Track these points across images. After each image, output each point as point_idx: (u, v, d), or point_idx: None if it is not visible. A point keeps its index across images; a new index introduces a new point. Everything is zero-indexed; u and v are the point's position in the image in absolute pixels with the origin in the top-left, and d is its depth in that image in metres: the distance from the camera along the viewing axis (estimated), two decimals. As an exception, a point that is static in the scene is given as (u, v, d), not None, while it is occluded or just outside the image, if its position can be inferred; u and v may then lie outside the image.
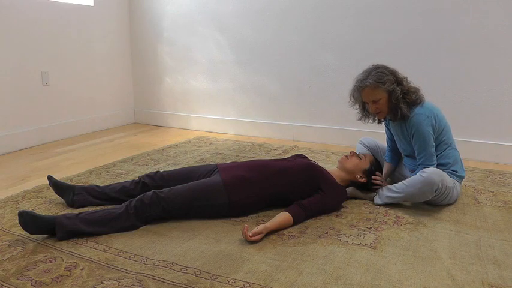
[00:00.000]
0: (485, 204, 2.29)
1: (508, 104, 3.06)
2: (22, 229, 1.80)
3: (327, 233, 1.92)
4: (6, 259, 1.65)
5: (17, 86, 3.40)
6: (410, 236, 1.90)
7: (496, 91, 3.08)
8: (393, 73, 2.18)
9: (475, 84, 3.14)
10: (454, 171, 2.25)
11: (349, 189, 2.30)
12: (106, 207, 2.09)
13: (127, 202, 1.94)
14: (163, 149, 3.44)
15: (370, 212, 2.16)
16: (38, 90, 3.58)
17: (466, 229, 1.97)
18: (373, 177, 2.29)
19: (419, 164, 2.21)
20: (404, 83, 2.19)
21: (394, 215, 2.12)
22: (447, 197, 2.18)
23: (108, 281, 1.50)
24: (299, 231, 1.92)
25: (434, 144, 2.18)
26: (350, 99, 2.30)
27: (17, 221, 1.81)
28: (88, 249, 1.73)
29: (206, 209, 2.01)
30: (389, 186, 2.24)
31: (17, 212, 1.84)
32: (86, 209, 2.09)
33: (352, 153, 2.34)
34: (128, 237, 1.85)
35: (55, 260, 1.64)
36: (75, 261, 1.64)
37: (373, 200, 2.29)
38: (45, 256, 1.68)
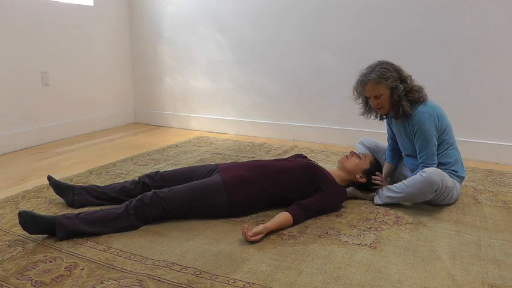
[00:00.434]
0: (485, 204, 2.29)
1: (508, 104, 3.06)
2: (22, 229, 1.80)
3: (327, 233, 1.92)
4: (6, 259, 1.65)
5: (17, 86, 3.40)
6: (410, 236, 1.90)
7: (496, 91, 3.08)
8: (397, 70, 2.18)
9: (475, 84, 3.14)
10: (455, 171, 2.24)
11: (349, 189, 2.30)
12: (106, 207, 2.09)
13: (127, 202, 1.94)
14: (163, 149, 3.44)
15: (370, 212, 2.16)
16: (38, 90, 3.58)
17: (466, 229, 1.97)
18: (373, 177, 2.29)
19: (420, 163, 2.21)
20: (408, 81, 2.19)
21: (394, 215, 2.12)
22: (447, 196, 2.18)
23: (108, 281, 1.50)
24: (299, 231, 1.92)
25: (436, 143, 2.18)
26: (353, 93, 2.31)
27: (17, 221, 1.82)
28: (88, 249, 1.73)
29: (206, 209, 2.01)
30: (389, 186, 2.24)
31: (17, 212, 1.84)
32: (86, 209, 2.09)
33: (352, 153, 2.34)
34: (128, 237, 1.85)
35: (55, 260, 1.64)
36: (75, 261, 1.64)
37: (373, 200, 2.29)
38: (45, 256, 1.68)
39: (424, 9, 3.20)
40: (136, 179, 2.25)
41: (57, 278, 1.52)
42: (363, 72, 2.22)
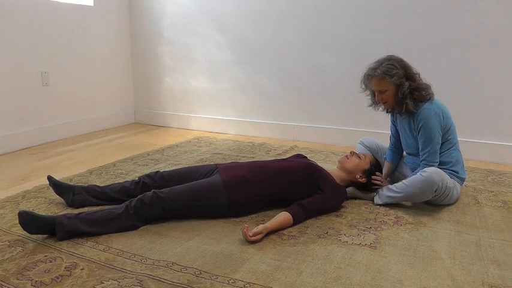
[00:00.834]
0: (485, 204, 2.29)
1: (508, 104, 3.06)
2: (22, 229, 1.80)
3: (327, 233, 1.92)
4: (6, 259, 1.65)
5: (17, 86, 3.40)
6: (410, 236, 1.90)
7: (496, 91, 3.08)
8: (404, 67, 2.18)
9: (475, 84, 3.14)
10: (455, 171, 2.25)
11: (349, 189, 2.30)
12: (106, 207, 2.09)
13: (127, 202, 1.94)
14: (163, 149, 3.44)
15: (370, 212, 2.16)
16: (38, 90, 3.58)
17: (466, 229, 1.97)
18: (373, 177, 2.29)
19: (421, 160, 2.21)
20: (415, 79, 2.20)
21: (394, 215, 2.12)
22: (447, 197, 2.18)
23: (108, 281, 1.50)
24: (299, 231, 1.92)
25: (440, 141, 2.19)
26: (361, 85, 2.32)
27: (17, 221, 1.81)
28: (88, 249, 1.73)
29: (206, 209, 2.01)
30: (390, 186, 2.24)
31: (17, 212, 1.84)
32: (86, 209, 2.09)
33: (352, 153, 2.34)
34: (128, 237, 1.85)
35: (55, 260, 1.64)
36: (75, 261, 1.64)
37: (373, 200, 2.29)
38: (45, 256, 1.68)
39: (424, 9, 3.20)
40: (136, 179, 2.25)
41: (57, 278, 1.52)
42: (371, 66, 2.23)
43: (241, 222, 2.01)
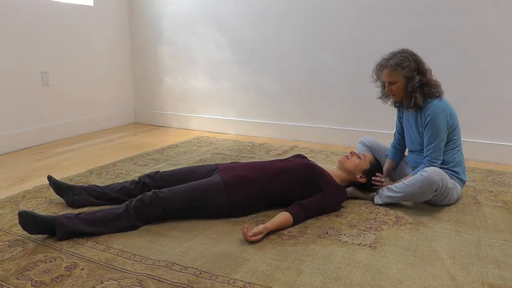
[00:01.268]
0: (485, 204, 2.29)
1: (508, 104, 3.06)
2: (22, 229, 1.80)
3: (327, 233, 1.92)
4: (6, 259, 1.65)
5: (17, 86, 3.40)
6: (410, 236, 1.90)
7: (496, 91, 3.08)
8: (417, 61, 2.19)
9: (475, 84, 3.14)
10: (456, 172, 2.25)
11: (349, 189, 2.30)
12: (106, 207, 2.09)
13: (127, 202, 1.94)
14: (163, 149, 3.44)
15: (370, 212, 2.16)
16: (38, 90, 3.58)
17: (466, 229, 1.97)
18: (373, 178, 2.28)
19: (425, 156, 2.21)
20: (426, 75, 2.20)
21: (394, 215, 2.12)
22: (446, 197, 2.18)
23: (108, 281, 1.50)
24: (299, 231, 1.92)
25: (445, 139, 2.19)
26: (372, 76, 2.33)
27: (17, 221, 1.81)
28: (88, 249, 1.73)
29: (206, 209, 2.01)
30: (390, 186, 2.24)
31: (17, 212, 1.84)
32: (86, 209, 2.09)
33: (352, 153, 2.34)
34: (128, 237, 1.85)
35: (55, 260, 1.64)
36: (75, 261, 1.64)
37: (373, 200, 2.29)
38: (45, 256, 1.68)
39: (424, 9, 3.20)
40: (136, 179, 2.25)
41: (57, 278, 1.52)
42: (384, 57, 2.24)
43: (241, 222, 2.01)
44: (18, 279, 1.52)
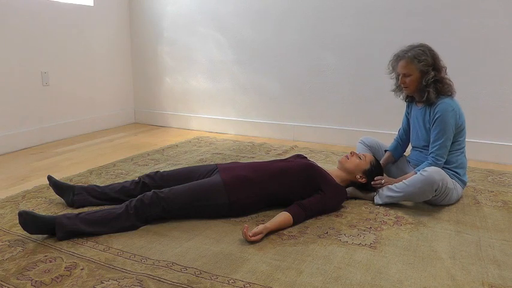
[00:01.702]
0: (485, 204, 2.29)
1: (508, 104, 3.06)
2: (22, 229, 1.80)
3: (327, 233, 1.92)
4: (6, 259, 1.65)
5: (17, 86, 3.40)
6: (410, 236, 1.90)
7: (496, 91, 3.08)
8: (434, 57, 2.20)
9: (475, 84, 3.14)
10: (457, 173, 2.25)
11: (349, 189, 2.30)
12: (106, 207, 2.09)
13: (127, 202, 1.94)
14: (163, 149, 3.44)
15: (370, 212, 2.16)
16: (38, 90, 3.58)
17: (466, 229, 1.97)
18: (372, 183, 2.28)
19: (430, 153, 2.21)
20: (441, 72, 2.21)
21: (394, 215, 2.12)
22: (446, 197, 2.18)
23: (108, 281, 1.50)
24: (299, 231, 1.92)
25: (451, 138, 2.19)
26: (388, 68, 2.33)
27: (17, 221, 1.81)
28: (88, 249, 1.73)
29: (206, 209, 2.01)
30: (390, 185, 2.24)
31: (17, 212, 1.84)
32: (86, 209, 2.09)
33: (353, 154, 2.34)
34: (128, 237, 1.85)
35: (55, 260, 1.64)
36: (75, 261, 1.64)
37: (373, 200, 2.29)
38: (45, 256, 1.68)
39: (424, 9, 3.20)
40: (136, 179, 2.25)
41: (57, 278, 1.52)
42: (402, 49, 2.25)
43: (241, 222, 2.01)
44: (18, 279, 1.52)
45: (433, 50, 2.22)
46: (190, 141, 3.75)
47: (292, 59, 3.75)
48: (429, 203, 2.22)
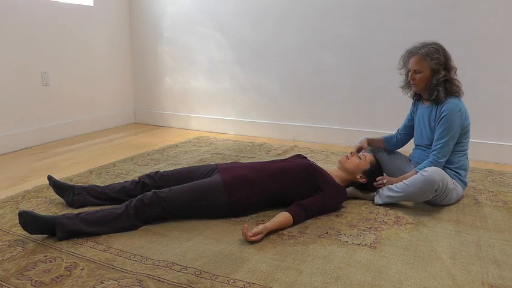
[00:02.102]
0: (485, 204, 2.29)
1: (508, 104, 3.06)
2: (22, 229, 1.80)
3: (327, 233, 1.92)
4: (6, 259, 1.65)
5: (17, 86, 3.40)
6: (410, 236, 1.90)
7: (496, 91, 3.08)
8: (446, 57, 2.20)
9: (475, 84, 3.14)
10: (459, 173, 2.25)
11: (349, 189, 2.30)
12: (106, 207, 2.09)
13: (127, 202, 1.94)
14: (163, 149, 3.44)
15: (370, 212, 2.16)
16: (38, 90, 3.58)
17: (466, 229, 1.97)
18: (376, 179, 2.28)
19: (432, 150, 2.21)
20: (452, 72, 2.21)
21: (394, 215, 2.12)
22: (446, 197, 2.18)
23: (108, 281, 1.50)
24: (299, 231, 1.92)
25: (455, 139, 2.19)
26: (399, 63, 2.33)
27: (17, 221, 1.81)
28: (88, 249, 1.73)
29: (206, 209, 2.01)
30: (390, 185, 2.24)
31: (17, 212, 1.84)
32: (86, 209, 2.09)
33: (353, 154, 2.34)
34: (128, 237, 1.85)
35: (55, 260, 1.64)
36: (75, 261, 1.64)
37: (373, 200, 2.29)
38: (45, 256, 1.68)
39: (424, 9, 3.20)
40: (136, 179, 2.25)
41: (57, 278, 1.52)
42: (415, 45, 2.25)
43: (241, 222, 2.01)
44: (18, 279, 1.52)
45: (446, 50, 2.22)
46: (190, 141, 3.75)
47: (292, 59, 3.75)
48: (429, 203, 2.22)
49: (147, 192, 1.97)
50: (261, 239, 1.82)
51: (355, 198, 2.34)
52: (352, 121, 3.62)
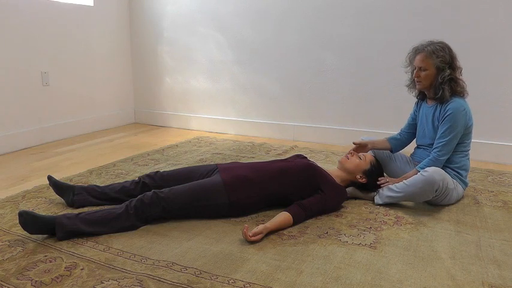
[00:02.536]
0: (485, 204, 2.29)
1: (508, 104, 3.06)
2: (22, 229, 1.80)
3: (327, 233, 1.92)
4: (6, 259, 1.65)
5: (17, 86, 3.40)
6: (410, 236, 1.90)
7: (496, 91, 3.08)
8: (452, 56, 2.20)
9: (475, 84, 3.12)
10: (459, 173, 2.25)
11: (349, 189, 2.30)
12: (106, 207, 2.09)
13: (127, 202, 1.94)
14: (163, 149, 3.44)
15: (370, 212, 2.16)
16: (38, 90, 3.58)
17: (466, 229, 1.97)
18: (379, 179, 2.28)
19: (434, 148, 2.21)
20: (457, 72, 2.21)
21: (394, 215, 2.12)
22: (446, 197, 2.18)
23: (108, 281, 1.50)
24: (299, 231, 1.92)
25: (458, 139, 2.20)
26: (406, 60, 2.33)
27: (17, 221, 1.81)
28: (88, 249, 1.73)
29: (206, 209, 2.01)
30: (390, 186, 2.24)
31: (17, 212, 1.84)
32: (86, 209, 2.09)
33: (353, 153, 2.34)
34: (128, 237, 1.85)
35: (55, 260, 1.64)
36: (75, 261, 1.64)
37: (373, 200, 2.29)
38: (45, 256, 1.68)
39: (424, 9, 3.20)
40: (136, 179, 2.25)
41: (57, 278, 1.52)
42: (422, 43, 2.26)
43: (241, 222, 2.01)
44: (18, 279, 1.52)
45: (451, 49, 2.22)
46: (190, 141, 3.75)
47: (292, 59, 3.75)
48: (429, 203, 2.22)
49: (147, 192, 1.97)
50: (261, 239, 1.82)
51: (355, 198, 2.34)
52: (352, 121, 3.62)
